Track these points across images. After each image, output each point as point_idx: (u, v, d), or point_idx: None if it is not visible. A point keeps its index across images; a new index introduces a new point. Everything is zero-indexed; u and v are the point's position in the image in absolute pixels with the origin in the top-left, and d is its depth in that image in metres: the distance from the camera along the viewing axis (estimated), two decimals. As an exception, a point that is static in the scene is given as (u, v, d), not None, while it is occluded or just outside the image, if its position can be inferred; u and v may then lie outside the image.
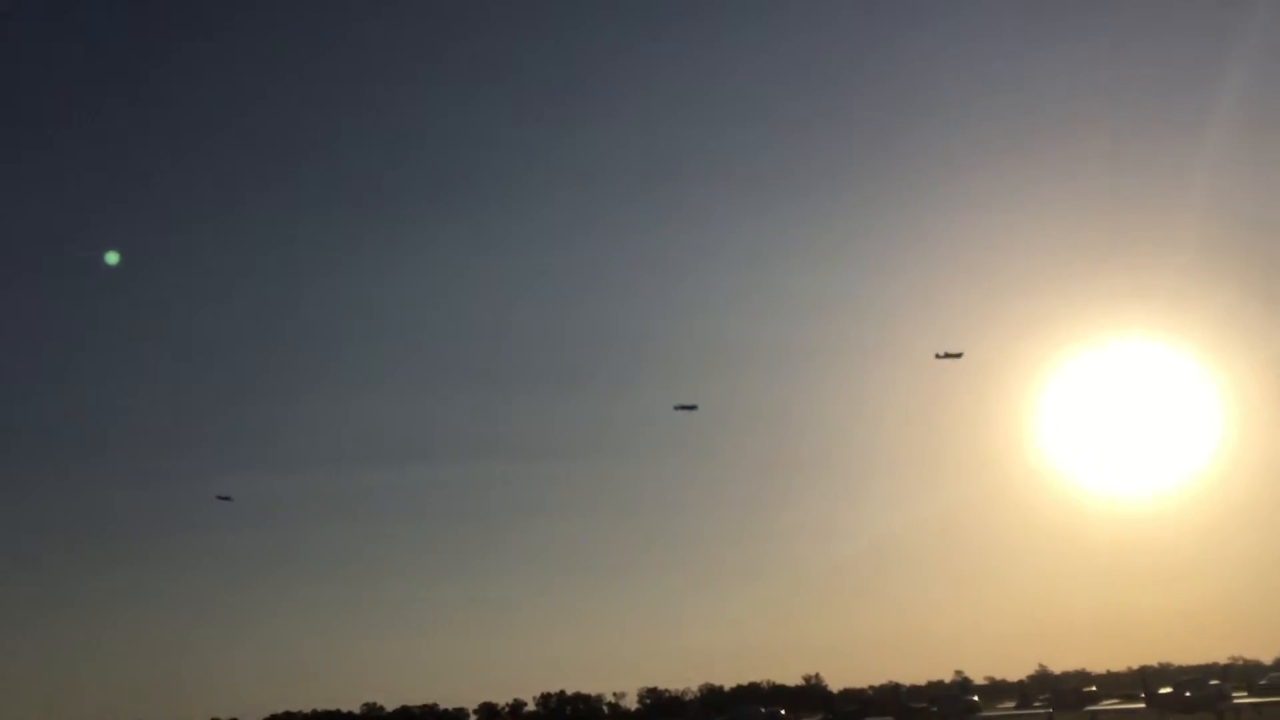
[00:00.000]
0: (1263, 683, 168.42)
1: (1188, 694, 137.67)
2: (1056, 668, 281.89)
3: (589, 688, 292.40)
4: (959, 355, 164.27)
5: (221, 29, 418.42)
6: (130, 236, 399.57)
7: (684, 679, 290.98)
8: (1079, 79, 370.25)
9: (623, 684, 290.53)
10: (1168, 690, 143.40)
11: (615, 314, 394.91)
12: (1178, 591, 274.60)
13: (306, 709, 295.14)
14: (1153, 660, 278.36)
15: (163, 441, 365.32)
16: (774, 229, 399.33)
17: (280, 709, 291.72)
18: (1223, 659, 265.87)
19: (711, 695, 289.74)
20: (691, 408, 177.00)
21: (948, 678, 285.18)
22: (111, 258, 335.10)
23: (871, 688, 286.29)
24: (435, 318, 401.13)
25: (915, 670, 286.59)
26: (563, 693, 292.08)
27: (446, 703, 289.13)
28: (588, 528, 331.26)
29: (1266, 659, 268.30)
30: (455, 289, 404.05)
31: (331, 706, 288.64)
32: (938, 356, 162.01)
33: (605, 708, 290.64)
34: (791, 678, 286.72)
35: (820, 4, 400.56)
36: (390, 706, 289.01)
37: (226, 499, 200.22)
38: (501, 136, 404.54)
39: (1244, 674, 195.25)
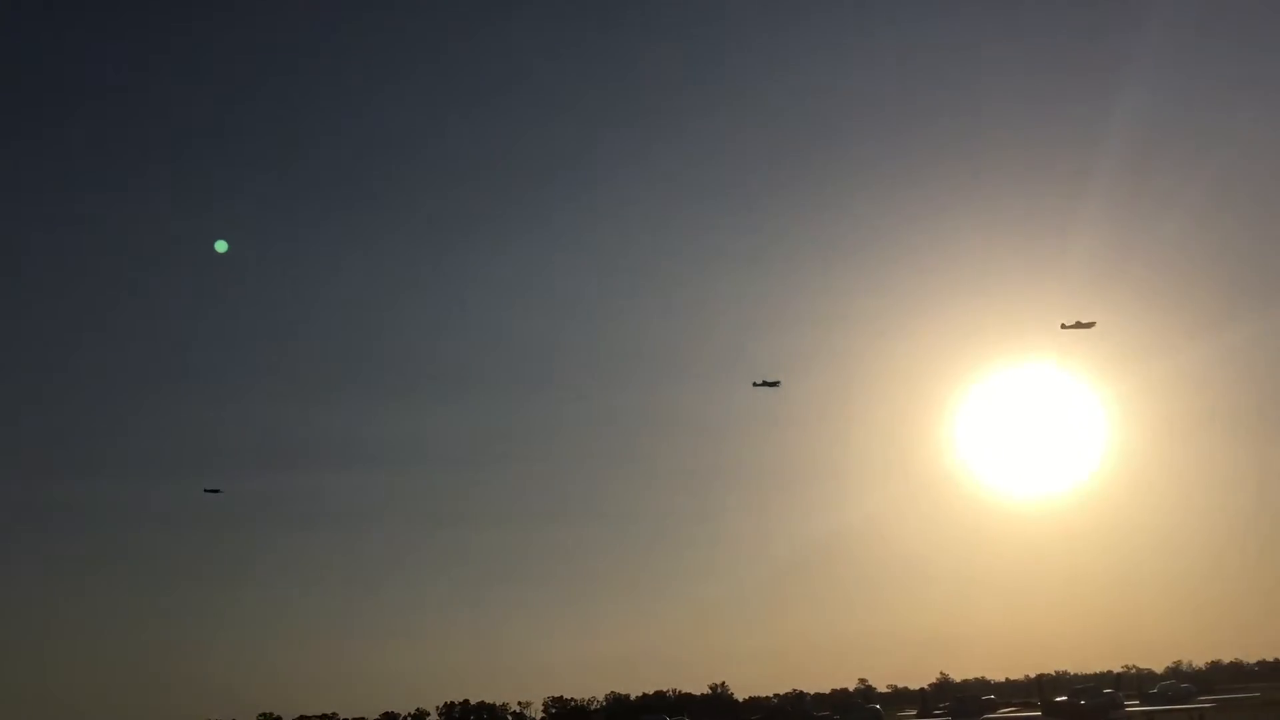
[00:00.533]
0: (1153, 691, 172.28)
1: (1082, 701, 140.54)
2: (958, 675, 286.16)
3: (493, 697, 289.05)
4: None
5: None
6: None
7: (590, 688, 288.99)
8: (988, 102, 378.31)
9: (528, 693, 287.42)
10: (1063, 698, 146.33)
11: (527, 317, 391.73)
12: (1075, 602, 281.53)
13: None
14: (1050, 669, 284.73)
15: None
16: (695, 235, 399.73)
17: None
18: (1117, 668, 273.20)
19: (617, 704, 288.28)
20: (775, 384, 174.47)
21: (852, 685, 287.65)
22: (221, 246, 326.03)
23: (776, 696, 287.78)
24: (339, 323, 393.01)
25: (820, 678, 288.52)
26: (466, 702, 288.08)
27: (347, 712, 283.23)
28: (495, 537, 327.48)
29: (1158, 668, 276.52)
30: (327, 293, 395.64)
31: (225, 718, 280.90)
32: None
33: (510, 717, 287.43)
34: (698, 686, 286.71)
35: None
36: (288, 717, 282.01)
37: (215, 491, 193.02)
38: (379, 135, 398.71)
39: (1136, 682, 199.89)
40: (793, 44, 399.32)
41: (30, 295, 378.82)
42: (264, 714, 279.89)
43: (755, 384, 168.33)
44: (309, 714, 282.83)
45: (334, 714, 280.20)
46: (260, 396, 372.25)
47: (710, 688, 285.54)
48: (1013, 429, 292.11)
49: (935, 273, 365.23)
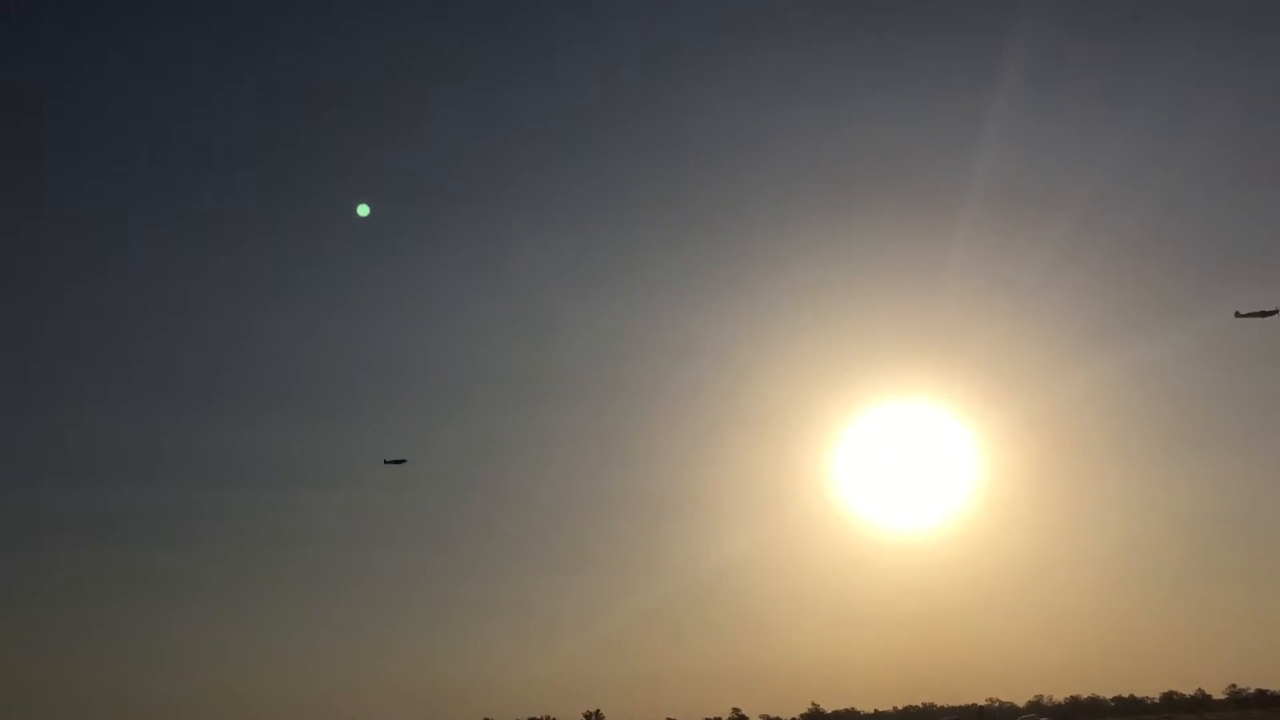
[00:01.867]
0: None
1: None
2: (829, 706, 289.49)
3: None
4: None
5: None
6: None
7: (461, 714, 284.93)
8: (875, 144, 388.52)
9: (397, 716, 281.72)
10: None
11: (423, 336, 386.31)
12: (943, 634, 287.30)
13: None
14: (918, 700, 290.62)
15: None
16: (561, 258, 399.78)
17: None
18: (981, 700, 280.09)
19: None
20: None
21: (725, 715, 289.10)
22: (363, 210, 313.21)
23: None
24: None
25: (694, 707, 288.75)
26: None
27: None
28: (365, 556, 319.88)
29: (1020, 702, 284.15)
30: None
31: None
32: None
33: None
34: (573, 714, 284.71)
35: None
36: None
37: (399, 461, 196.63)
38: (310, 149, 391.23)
39: (999, 716, 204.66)
40: (689, 87, 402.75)
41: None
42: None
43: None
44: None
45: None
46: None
47: (584, 715, 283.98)
48: (886, 464, 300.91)
49: (813, 309, 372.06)
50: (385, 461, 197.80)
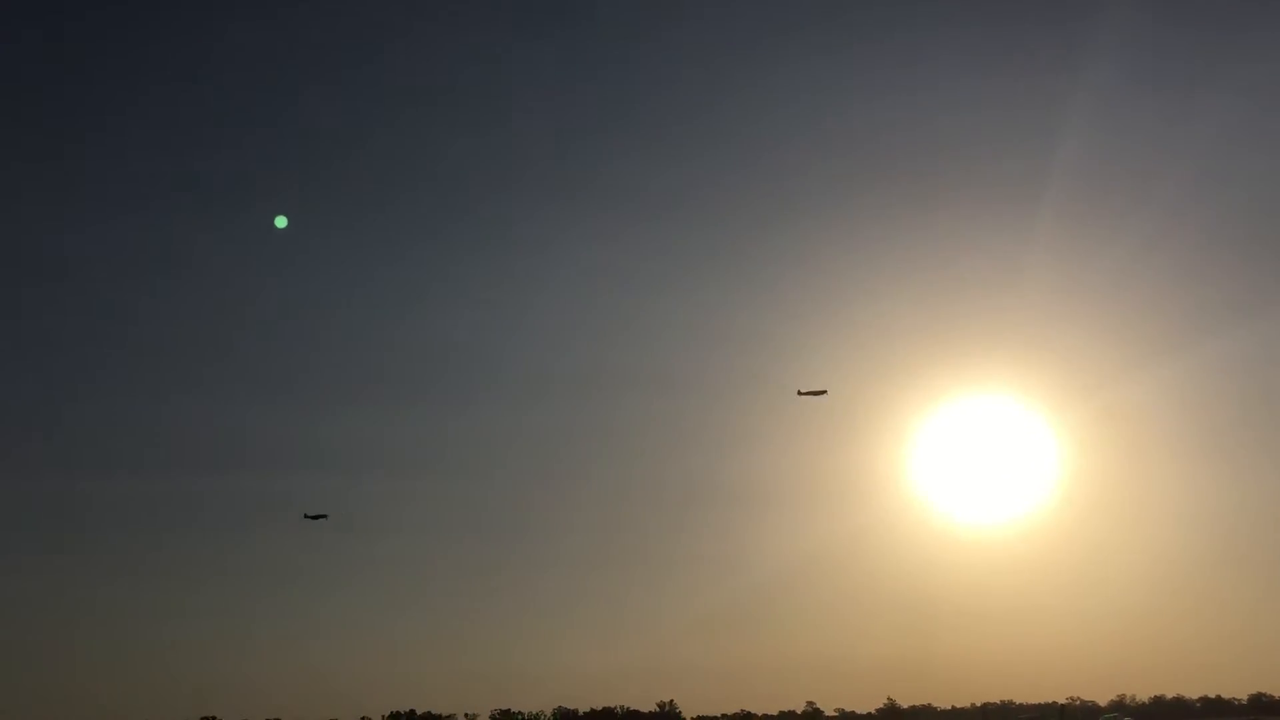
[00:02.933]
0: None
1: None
2: (905, 702, 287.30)
3: (440, 707, 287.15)
4: (822, 392, 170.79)
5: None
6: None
7: (538, 701, 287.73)
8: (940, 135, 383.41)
9: (475, 704, 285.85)
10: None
11: (475, 328, 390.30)
12: (1024, 631, 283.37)
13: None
14: (996, 698, 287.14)
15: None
16: (641, 252, 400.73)
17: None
18: (1061, 699, 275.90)
19: (564, 717, 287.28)
20: (322, 517, 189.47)
21: (800, 708, 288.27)
22: (280, 222, 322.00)
23: (724, 715, 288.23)
24: (289, 326, 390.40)
25: (769, 700, 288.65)
26: (413, 712, 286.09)
27: (290, 717, 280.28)
28: (454, 546, 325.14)
29: (1102, 701, 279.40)
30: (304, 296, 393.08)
31: None
32: (800, 393, 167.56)
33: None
34: (647, 704, 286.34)
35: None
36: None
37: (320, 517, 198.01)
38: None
39: (1080, 715, 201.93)
40: (772, 80, 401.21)
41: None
42: (206, 718, 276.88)
43: (800, 392, 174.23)
44: (252, 719, 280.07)
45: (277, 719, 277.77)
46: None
47: (658, 705, 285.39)
48: (964, 458, 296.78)
49: (891, 307, 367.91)
50: (306, 516, 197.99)
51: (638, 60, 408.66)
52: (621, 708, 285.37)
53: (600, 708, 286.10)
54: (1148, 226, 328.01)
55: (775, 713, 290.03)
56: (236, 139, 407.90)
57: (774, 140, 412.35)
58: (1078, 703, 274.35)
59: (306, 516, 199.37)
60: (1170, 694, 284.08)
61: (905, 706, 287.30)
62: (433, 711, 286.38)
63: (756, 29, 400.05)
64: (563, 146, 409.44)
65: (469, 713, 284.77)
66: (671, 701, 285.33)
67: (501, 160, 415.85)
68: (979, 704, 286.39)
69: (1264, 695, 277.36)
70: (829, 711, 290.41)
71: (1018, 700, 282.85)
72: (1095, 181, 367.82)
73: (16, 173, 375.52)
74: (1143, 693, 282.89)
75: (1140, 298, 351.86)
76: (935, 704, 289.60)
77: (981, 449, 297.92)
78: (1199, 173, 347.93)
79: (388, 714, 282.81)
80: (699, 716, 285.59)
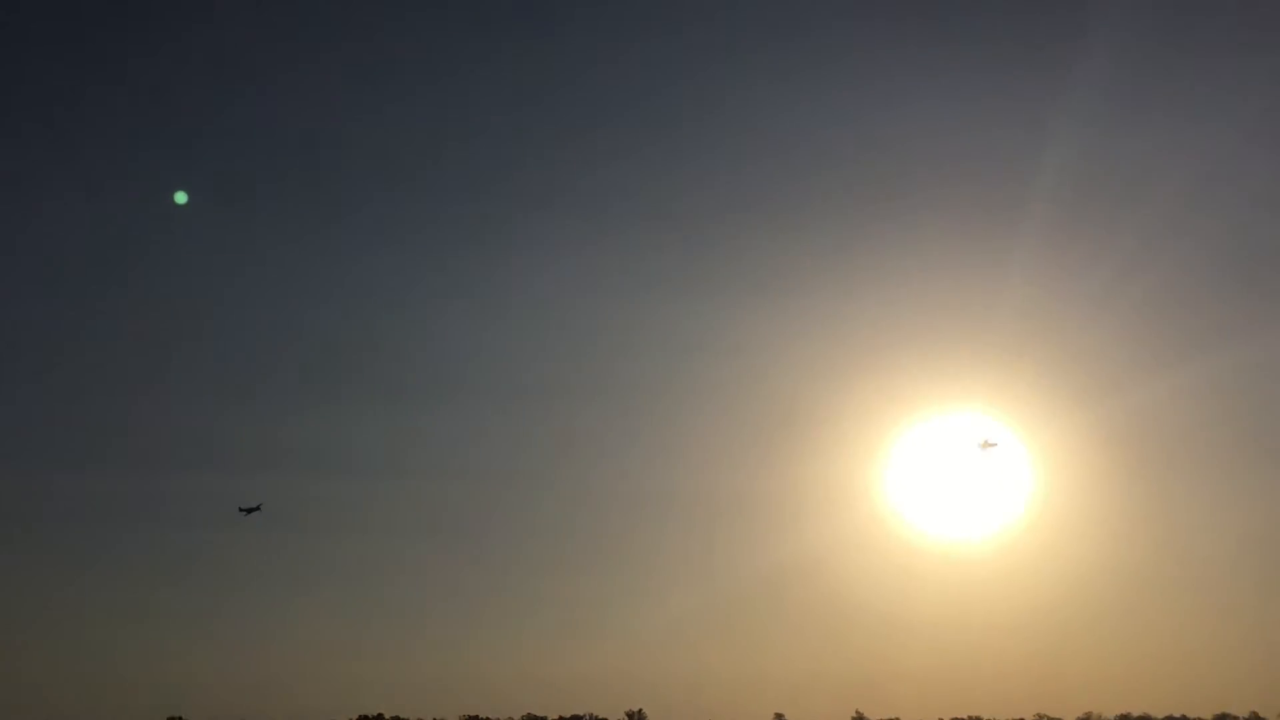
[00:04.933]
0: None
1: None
2: (873, 715, 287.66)
3: (407, 712, 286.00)
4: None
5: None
6: None
7: (506, 707, 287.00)
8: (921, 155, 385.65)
9: (442, 709, 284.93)
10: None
11: (445, 333, 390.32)
12: (992, 646, 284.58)
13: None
14: (964, 713, 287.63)
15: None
16: (619, 261, 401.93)
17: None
18: (1029, 715, 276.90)
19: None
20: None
21: (767, 718, 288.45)
22: (180, 198, 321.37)
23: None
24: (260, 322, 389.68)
25: (737, 711, 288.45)
26: (380, 715, 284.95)
27: (259, 719, 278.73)
28: (424, 549, 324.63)
29: (1069, 717, 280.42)
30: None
31: None
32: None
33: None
34: (615, 712, 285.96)
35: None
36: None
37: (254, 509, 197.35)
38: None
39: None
40: (754, 94, 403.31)
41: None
42: (172, 718, 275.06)
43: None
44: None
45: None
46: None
47: (627, 714, 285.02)
48: (939, 474, 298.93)
49: (870, 316, 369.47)
50: (240, 510, 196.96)
51: (608, 69, 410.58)
52: (590, 715, 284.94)
53: (569, 715, 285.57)
54: (1129, 249, 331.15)
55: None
56: (202, 135, 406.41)
57: (755, 155, 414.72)
58: (1044, 718, 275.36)
59: (241, 510, 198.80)
60: (1137, 711, 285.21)
61: (873, 719, 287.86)
62: (400, 716, 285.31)
63: (734, 42, 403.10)
64: (539, 153, 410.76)
65: (436, 717, 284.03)
66: (640, 710, 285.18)
67: (479, 165, 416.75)
68: (947, 719, 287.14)
69: (1228, 715, 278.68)
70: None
71: (985, 715, 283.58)
72: (1077, 203, 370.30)
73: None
74: (1110, 709, 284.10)
75: (1118, 320, 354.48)
76: (903, 718, 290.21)
77: (957, 464, 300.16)
78: (1181, 197, 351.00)
79: (354, 718, 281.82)
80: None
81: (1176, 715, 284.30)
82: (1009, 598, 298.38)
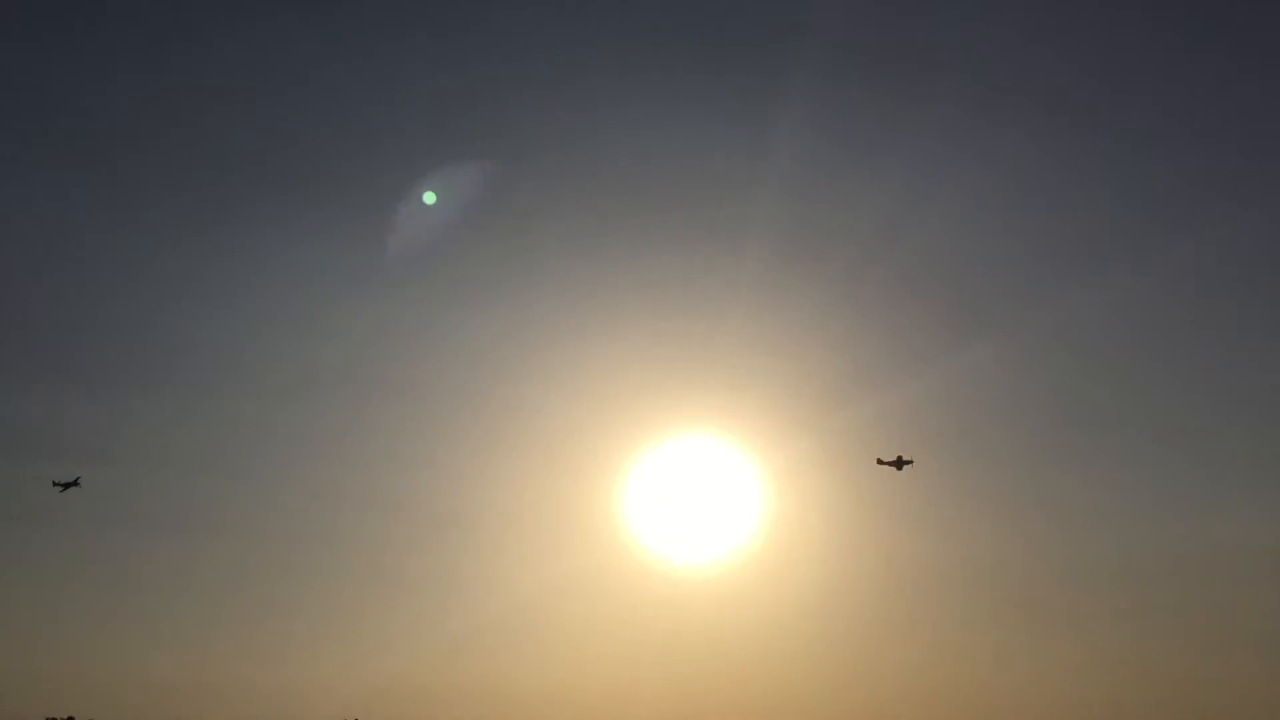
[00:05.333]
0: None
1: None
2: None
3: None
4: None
5: None
6: None
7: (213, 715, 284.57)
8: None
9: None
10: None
11: (172, 320, 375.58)
12: (726, 669, 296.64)
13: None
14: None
15: None
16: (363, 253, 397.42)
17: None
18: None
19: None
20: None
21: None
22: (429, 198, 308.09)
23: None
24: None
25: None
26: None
27: None
28: (127, 544, 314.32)
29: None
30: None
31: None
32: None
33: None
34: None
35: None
36: None
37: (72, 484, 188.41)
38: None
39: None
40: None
41: None
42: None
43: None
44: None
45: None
46: None
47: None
48: (675, 496, 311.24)
49: (605, 343, 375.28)
50: (55, 484, 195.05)
51: (331, 56, 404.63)
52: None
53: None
54: (840, 276, 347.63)
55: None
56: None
57: (484, 150, 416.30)
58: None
59: (55, 485, 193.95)
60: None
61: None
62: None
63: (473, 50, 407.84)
64: (277, 141, 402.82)
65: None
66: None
67: (219, 153, 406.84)
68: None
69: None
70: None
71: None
72: (793, 231, 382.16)
73: None
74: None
75: (835, 342, 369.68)
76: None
77: (693, 487, 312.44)
78: (881, 227, 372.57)
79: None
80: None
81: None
82: (740, 621, 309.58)
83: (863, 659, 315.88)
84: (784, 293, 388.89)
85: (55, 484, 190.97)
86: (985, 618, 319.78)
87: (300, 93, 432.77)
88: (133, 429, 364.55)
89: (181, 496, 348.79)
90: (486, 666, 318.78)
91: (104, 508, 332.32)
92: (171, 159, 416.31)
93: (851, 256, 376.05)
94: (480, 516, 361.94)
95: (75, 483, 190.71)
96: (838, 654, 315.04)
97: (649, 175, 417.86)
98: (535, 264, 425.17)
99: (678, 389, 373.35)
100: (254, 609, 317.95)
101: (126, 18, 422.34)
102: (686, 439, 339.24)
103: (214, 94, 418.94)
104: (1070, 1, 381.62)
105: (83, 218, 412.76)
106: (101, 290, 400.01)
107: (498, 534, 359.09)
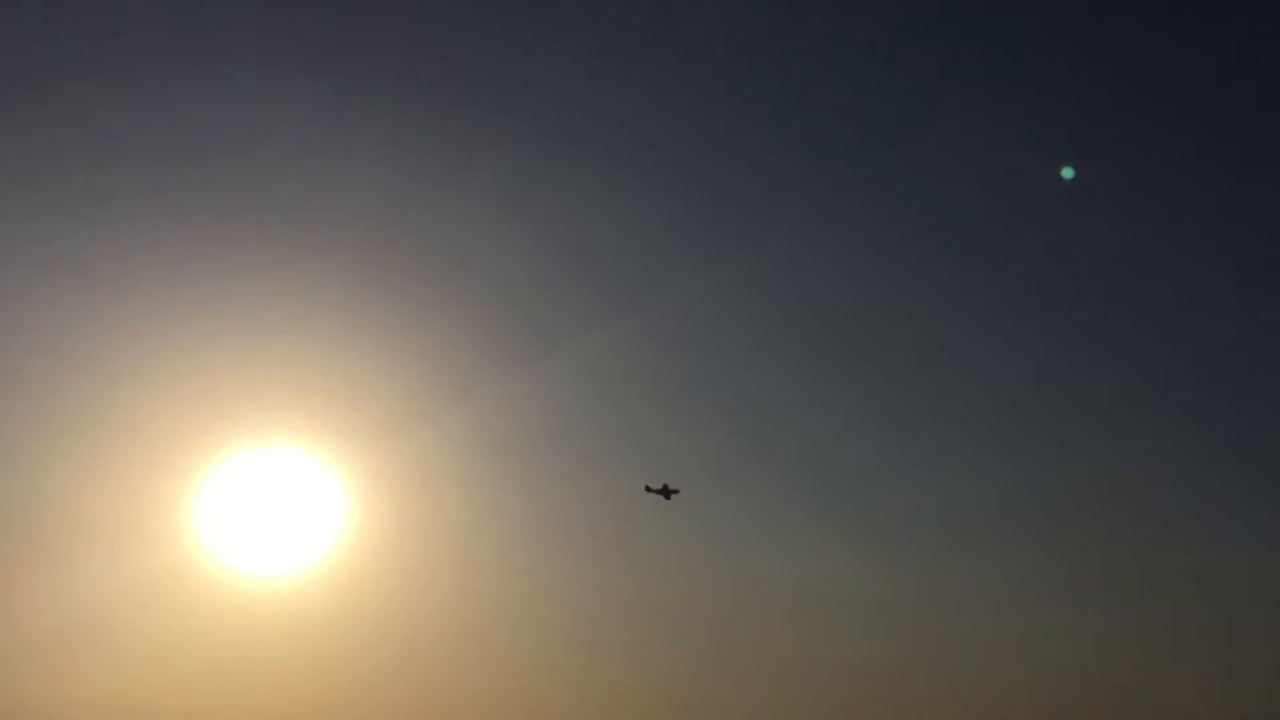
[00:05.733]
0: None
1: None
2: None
3: None
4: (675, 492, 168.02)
5: None
6: None
7: None
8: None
9: None
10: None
11: None
12: (307, 685, 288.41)
13: None
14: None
15: None
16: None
17: None
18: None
19: None
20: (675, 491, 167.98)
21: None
22: (1068, 173, 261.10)
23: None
24: None
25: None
26: None
27: None
28: None
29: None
30: None
31: None
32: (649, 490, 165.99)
33: None
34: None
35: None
36: None
37: None
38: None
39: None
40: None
41: None
42: None
43: (647, 488, 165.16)
44: None
45: None
46: None
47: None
48: (252, 507, 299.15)
49: (190, 343, 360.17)
50: None
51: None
52: None
53: None
54: (432, 280, 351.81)
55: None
56: None
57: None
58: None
59: None
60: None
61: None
62: None
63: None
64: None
65: None
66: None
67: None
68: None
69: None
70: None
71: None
72: (372, 244, 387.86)
73: None
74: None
75: (424, 351, 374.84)
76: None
77: (271, 498, 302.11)
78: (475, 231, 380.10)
79: None
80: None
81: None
82: (325, 634, 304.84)
83: (446, 675, 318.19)
84: (365, 304, 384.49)
85: None
86: (564, 636, 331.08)
87: None
88: None
89: None
90: (35, 677, 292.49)
91: None
92: None
93: (444, 262, 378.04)
94: (27, 519, 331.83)
95: None
96: (414, 672, 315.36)
97: (243, 172, 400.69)
98: (119, 253, 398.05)
99: (255, 396, 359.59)
100: None
101: None
102: (266, 447, 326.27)
103: None
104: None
105: None
106: None
107: (45, 539, 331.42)
